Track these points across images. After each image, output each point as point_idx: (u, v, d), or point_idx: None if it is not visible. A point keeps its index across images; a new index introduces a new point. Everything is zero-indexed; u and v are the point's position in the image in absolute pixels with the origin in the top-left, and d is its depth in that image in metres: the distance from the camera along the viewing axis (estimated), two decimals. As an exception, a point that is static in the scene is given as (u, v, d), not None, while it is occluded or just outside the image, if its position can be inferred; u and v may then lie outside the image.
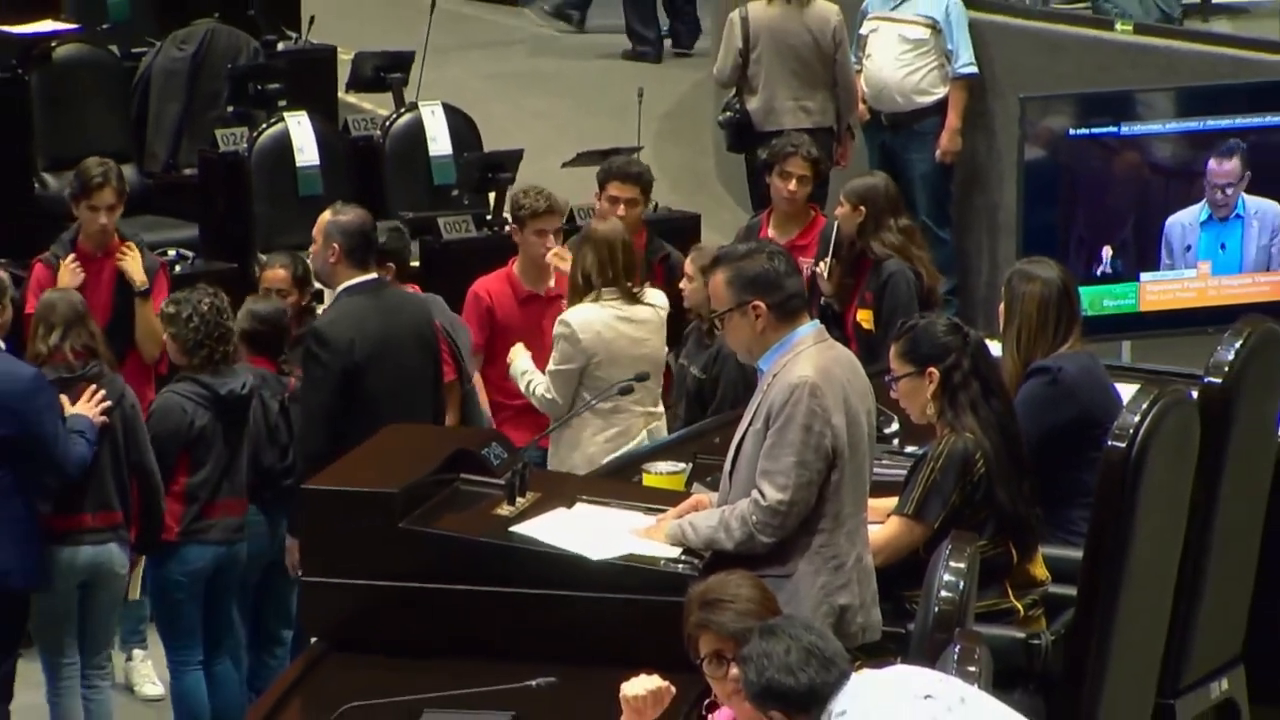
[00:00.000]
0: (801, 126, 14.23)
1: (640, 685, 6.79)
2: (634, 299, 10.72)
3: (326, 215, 10.80)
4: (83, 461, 10.27)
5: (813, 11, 14.57)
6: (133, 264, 11.64)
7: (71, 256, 11.74)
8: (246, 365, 10.74)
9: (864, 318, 11.06)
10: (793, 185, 11.76)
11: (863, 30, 14.61)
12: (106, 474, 10.49)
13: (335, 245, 10.52)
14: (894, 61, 14.50)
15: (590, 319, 10.63)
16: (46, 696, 10.68)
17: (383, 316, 10.36)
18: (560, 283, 11.17)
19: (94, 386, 10.35)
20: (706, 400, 10.68)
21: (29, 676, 10.84)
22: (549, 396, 10.58)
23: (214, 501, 10.60)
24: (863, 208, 10.92)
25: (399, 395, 10.25)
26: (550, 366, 10.61)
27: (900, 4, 14.52)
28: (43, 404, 10.22)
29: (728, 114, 14.73)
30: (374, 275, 10.65)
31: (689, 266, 10.96)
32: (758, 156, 12.86)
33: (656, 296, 10.85)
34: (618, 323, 10.68)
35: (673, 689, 6.83)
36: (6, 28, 14.93)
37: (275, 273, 11.18)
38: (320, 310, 11.02)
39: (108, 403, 10.38)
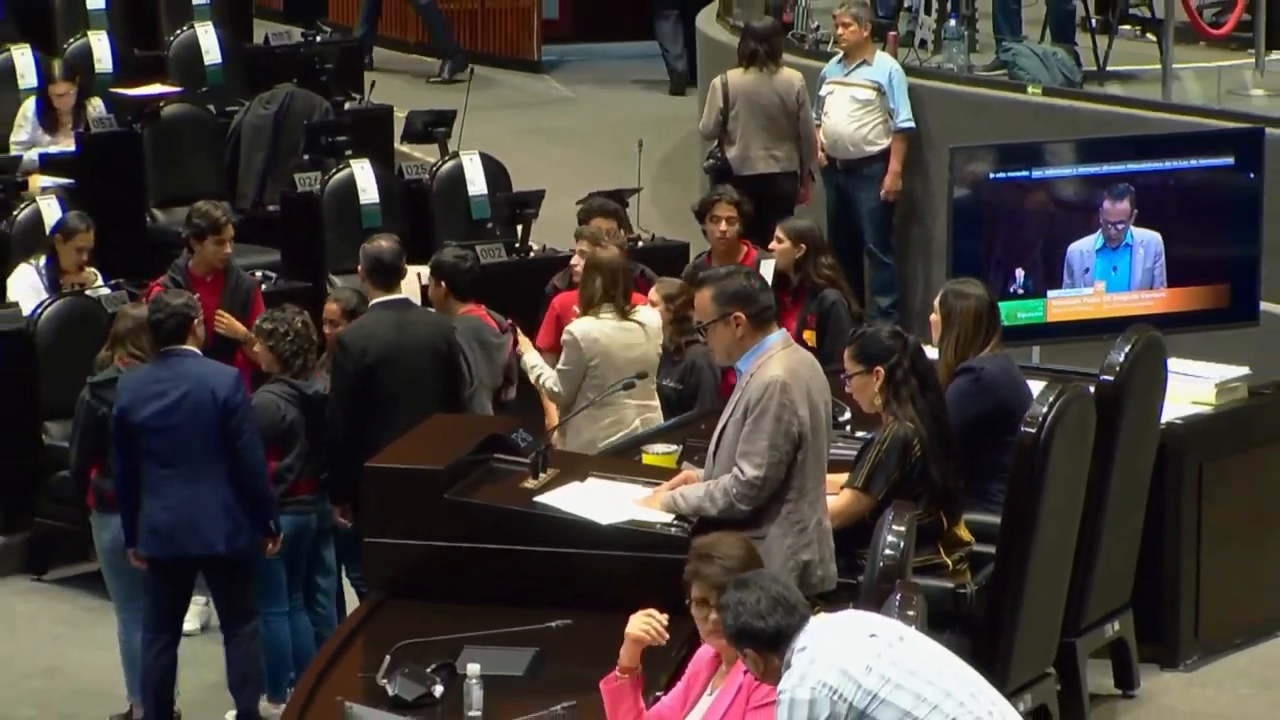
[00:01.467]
0: (771, 171, 14.30)
1: (641, 619, 6.87)
2: (626, 314, 10.72)
3: (364, 245, 10.90)
4: None
5: (780, 78, 14.57)
6: (230, 326, 11.55)
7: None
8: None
9: (808, 337, 10.96)
10: (722, 226, 11.68)
11: (822, 92, 14.59)
12: None
13: (361, 270, 10.70)
14: (847, 118, 14.49)
15: (590, 330, 10.63)
16: (119, 637, 10.56)
17: (399, 330, 10.34)
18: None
19: None
20: (686, 406, 10.65)
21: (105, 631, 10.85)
22: (555, 390, 10.61)
23: (297, 482, 10.55)
24: (803, 245, 10.87)
25: (412, 397, 10.17)
26: (559, 367, 10.63)
27: (851, 71, 14.51)
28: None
29: (711, 161, 14.71)
30: (399, 295, 10.69)
31: (654, 294, 10.95)
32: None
33: (648, 314, 10.83)
34: (613, 333, 10.65)
35: (664, 632, 6.89)
36: (124, 90, 14.93)
37: (330, 305, 11.11)
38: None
39: None
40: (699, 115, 15.17)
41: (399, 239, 11.05)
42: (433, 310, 11.00)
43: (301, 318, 10.59)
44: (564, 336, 10.63)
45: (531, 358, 10.78)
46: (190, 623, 10.77)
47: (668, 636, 6.90)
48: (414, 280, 11.18)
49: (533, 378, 10.75)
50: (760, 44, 14.66)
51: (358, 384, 10.28)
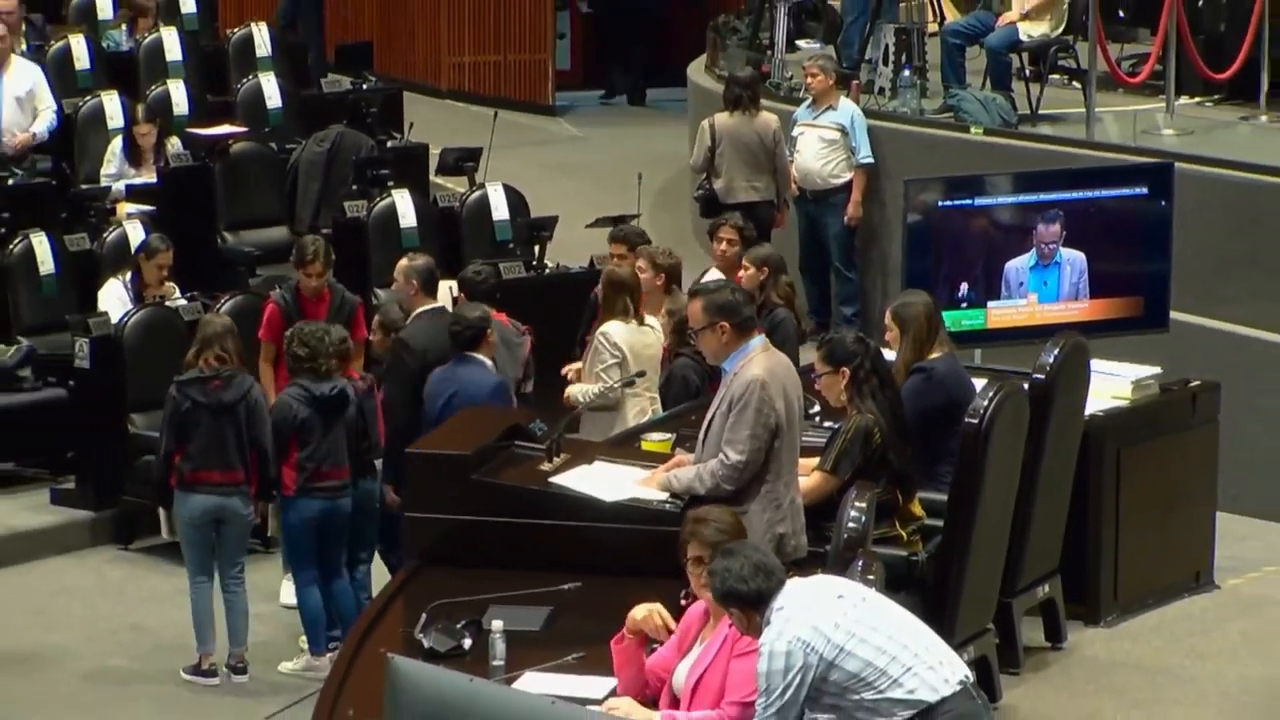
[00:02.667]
0: (752, 200, 14.33)
1: (644, 610, 6.83)
2: (641, 320, 10.77)
3: (404, 262, 10.92)
4: None
5: (759, 120, 14.60)
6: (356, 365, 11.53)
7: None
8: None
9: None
10: (723, 246, 11.57)
11: (794, 132, 14.62)
12: (230, 446, 10.44)
13: (414, 282, 10.72)
14: (815, 155, 14.52)
15: (617, 331, 10.70)
16: (191, 598, 10.60)
17: (443, 333, 10.37)
18: None
19: None
20: (665, 405, 10.64)
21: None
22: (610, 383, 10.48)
23: (319, 469, 10.52)
24: (765, 269, 10.82)
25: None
26: (604, 366, 10.59)
27: (819, 115, 14.54)
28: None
29: (700, 191, 14.75)
30: (440, 304, 10.81)
31: (665, 305, 11.00)
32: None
33: (654, 321, 10.86)
34: (631, 335, 10.72)
35: (664, 630, 6.85)
36: (198, 130, 14.92)
37: (381, 318, 11.16)
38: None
39: None
40: (690, 153, 15.18)
41: (433, 258, 11.12)
42: (497, 317, 11.06)
43: (336, 331, 10.67)
44: (597, 337, 10.65)
45: (576, 390, 10.70)
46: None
47: (664, 636, 6.87)
48: (446, 292, 11.21)
49: (584, 399, 10.61)
50: (743, 91, 14.70)
51: (418, 381, 10.28)
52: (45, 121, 14.51)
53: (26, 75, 14.52)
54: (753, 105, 14.70)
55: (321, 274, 11.63)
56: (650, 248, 11.18)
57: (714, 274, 11.04)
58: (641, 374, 10.35)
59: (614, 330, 10.70)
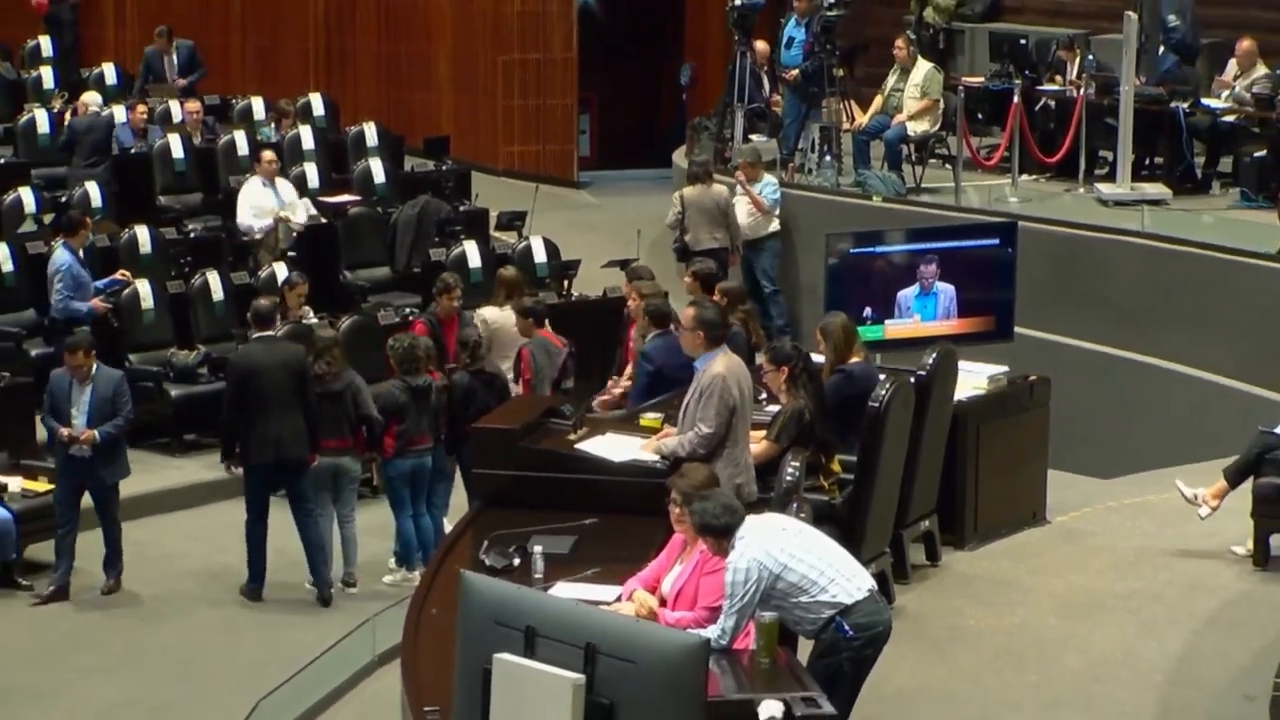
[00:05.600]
0: (713, 247, 14.31)
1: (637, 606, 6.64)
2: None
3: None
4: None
5: (714, 190, 14.59)
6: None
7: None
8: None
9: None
10: (687, 280, 11.21)
11: (735, 202, 14.62)
12: (340, 421, 10.42)
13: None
14: (745, 215, 14.56)
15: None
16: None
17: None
18: None
19: None
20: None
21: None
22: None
23: (411, 438, 10.51)
24: (725, 298, 10.63)
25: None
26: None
27: (745, 190, 14.58)
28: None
29: (676, 244, 14.76)
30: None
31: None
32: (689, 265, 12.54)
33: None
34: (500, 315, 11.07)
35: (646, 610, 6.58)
36: (325, 198, 14.93)
37: (468, 331, 11.22)
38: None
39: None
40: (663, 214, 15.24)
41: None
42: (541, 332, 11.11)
43: (422, 341, 10.73)
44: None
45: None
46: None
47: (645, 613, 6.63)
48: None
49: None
50: (700, 169, 14.80)
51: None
52: (303, 211, 14.40)
53: (287, 191, 14.39)
54: (709, 179, 14.71)
55: (456, 300, 11.68)
56: (639, 283, 11.12)
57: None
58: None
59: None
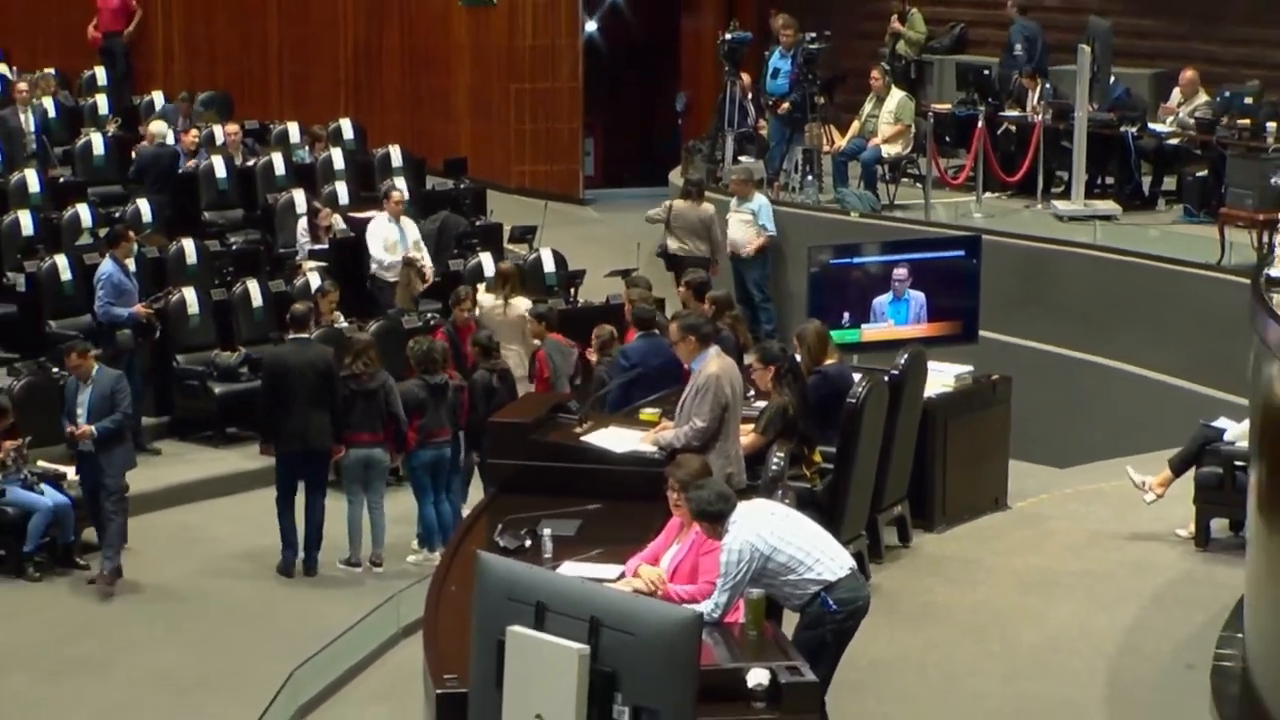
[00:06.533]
0: (693, 255, 14.33)
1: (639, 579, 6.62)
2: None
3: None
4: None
5: (701, 208, 14.59)
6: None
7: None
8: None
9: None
10: (681, 290, 11.26)
11: (726, 216, 14.60)
12: (373, 417, 10.43)
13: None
14: (737, 230, 14.50)
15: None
16: (348, 515, 10.58)
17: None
18: None
19: None
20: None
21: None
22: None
23: (431, 431, 10.52)
24: (714, 305, 10.63)
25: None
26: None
27: (738, 206, 14.50)
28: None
29: (660, 249, 14.81)
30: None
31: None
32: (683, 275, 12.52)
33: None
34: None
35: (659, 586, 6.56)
36: (354, 214, 14.85)
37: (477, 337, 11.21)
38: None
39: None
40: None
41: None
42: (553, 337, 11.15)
43: (437, 343, 10.71)
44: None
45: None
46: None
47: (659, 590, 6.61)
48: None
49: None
50: (694, 187, 14.80)
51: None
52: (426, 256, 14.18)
53: (411, 230, 14.13)
54: (700, 197, 14.71)
55: (469, 310, 11.67)
56: (631, 290, 11.08)
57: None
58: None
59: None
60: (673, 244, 14.60)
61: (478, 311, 11.59)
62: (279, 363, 10.54)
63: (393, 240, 13.88)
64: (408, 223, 14.08)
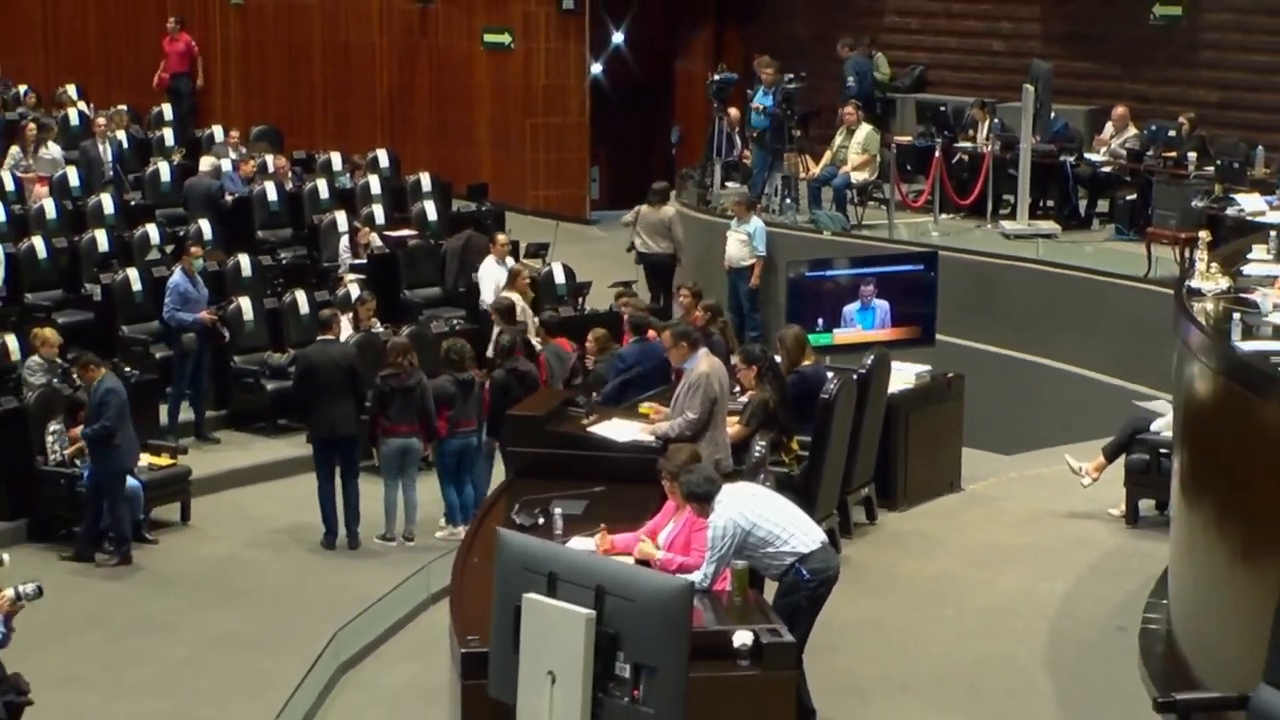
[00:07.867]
0: (655, 253, 14.70)
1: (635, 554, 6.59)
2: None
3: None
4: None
5: (662, 210, 14.74)
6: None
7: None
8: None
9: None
10: (681, 297, 11.30)
11: (727, 233, 14.53)
12: (410, 411, 10.40)
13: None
14: (735, 247, 14.44)
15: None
16: (384, 496, 10.56)
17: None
18: None
19: None
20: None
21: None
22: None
23: (459, 422, 10.51)
24: (708, 311, 10.56)
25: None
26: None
27: (739, 226, 14.43)
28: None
29: (630, 248, 14.96)
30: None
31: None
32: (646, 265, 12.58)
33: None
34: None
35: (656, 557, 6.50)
36: (389, 232, 14.87)
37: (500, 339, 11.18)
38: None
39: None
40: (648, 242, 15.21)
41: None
42: (556, 341, 11.15)
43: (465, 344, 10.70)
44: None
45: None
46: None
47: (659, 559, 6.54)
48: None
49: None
50: (655, 195, 14.98)
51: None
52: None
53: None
54: (661, 203, 14.91)
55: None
56: (629, 299, 11.06)
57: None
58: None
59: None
60: (639, 242, 14.83)
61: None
62: (307, 361, 10.64)
63: (503, 280, 13.74)
64: (513, 265, 13.85)
